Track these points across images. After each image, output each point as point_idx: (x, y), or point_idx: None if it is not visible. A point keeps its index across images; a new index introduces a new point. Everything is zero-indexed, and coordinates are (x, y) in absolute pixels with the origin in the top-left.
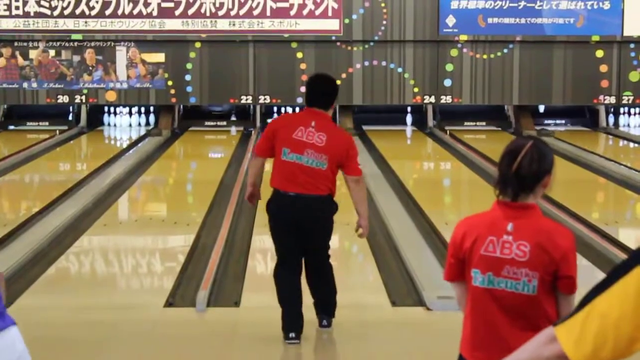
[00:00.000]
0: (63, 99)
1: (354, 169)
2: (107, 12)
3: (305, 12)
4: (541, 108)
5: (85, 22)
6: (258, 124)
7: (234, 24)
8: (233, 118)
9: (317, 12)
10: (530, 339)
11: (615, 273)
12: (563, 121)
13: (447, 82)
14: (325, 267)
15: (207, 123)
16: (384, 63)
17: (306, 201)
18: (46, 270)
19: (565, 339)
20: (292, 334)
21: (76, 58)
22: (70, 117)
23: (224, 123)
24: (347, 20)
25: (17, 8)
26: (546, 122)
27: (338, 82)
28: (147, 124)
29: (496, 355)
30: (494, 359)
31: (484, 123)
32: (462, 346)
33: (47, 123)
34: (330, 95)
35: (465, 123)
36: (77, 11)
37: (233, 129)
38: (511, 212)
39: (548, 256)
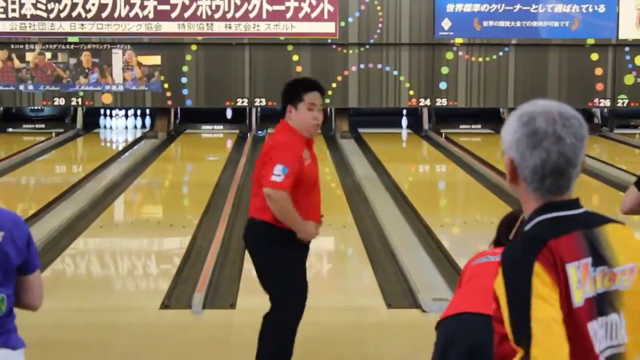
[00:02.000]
0: (59, 101)
1: (265, 179)
2: (104, 14)
3: (301, 15)
4: None
5: (82, 25)
6: (254, 126)
7: (230, 27)
8: (229, 121)
9: (313, 15)
10: None
11: (521, 283)
12: None
13: (443, 85)
14: (269, 316)
15: (203, 126)
16: (379, 66)
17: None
18: (42, 273)
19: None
20: None
21: (72, 60)
22: (66, 120)
23: (220, 126)
24: (342, 23)
25: (13, 10)
26: None
27: (328, 86)
28: (143, 126)
29: None
30: None
31: (479, 126)
32: None
33: (43, 125)
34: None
35: (461, 126)
36: (74, 14)
37: (229, 131)
38: None
39: None
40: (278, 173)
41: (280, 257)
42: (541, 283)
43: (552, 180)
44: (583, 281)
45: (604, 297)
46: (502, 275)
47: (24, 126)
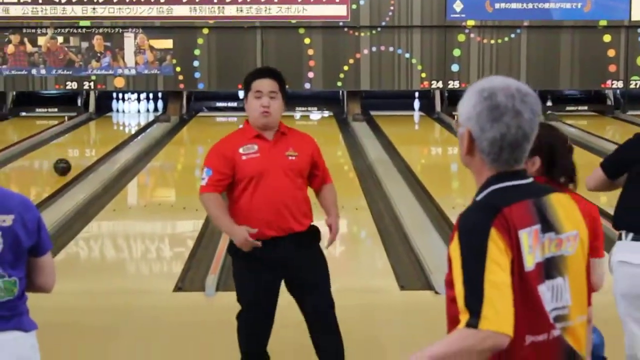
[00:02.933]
0: (72, 85)
1: None
2: None
3: None
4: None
5: (93, 9)
6: None
7: (241, 10)
8: (241, 104)
9: None
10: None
11: (476, 245)
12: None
13: (455, 67)
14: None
15: (215, 108)
16: (391, 49)
17: None
18: (56, 256)
19: (498, 325)
20: None
21: (84, 44)
22: (79, 104)
23: (234, 107)
24: (354, 6)
25: None
26: (567, 108)
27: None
28: (156, 110)
29: None
30: None
31: None
32: None
33: (55, 109)
34: None
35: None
36: None
37: (241, 114)
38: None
39: None
40: (203, 176)
41: (235, 267)
42: (496, 248)
43: (509, 152)
44: (534, 246)
45: (551, 262)
46: (458, 240)
47: (37, 110)
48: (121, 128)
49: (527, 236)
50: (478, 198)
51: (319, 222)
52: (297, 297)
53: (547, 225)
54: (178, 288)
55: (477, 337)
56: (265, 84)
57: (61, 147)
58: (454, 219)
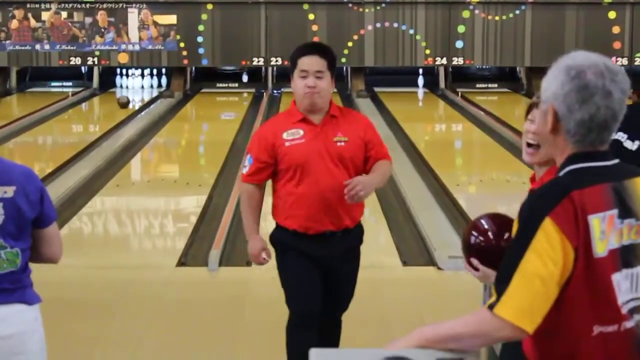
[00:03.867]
0: (75, 60)
1: None
2: None
3: None
4: None
5: None
6: (270, 85)
7: None
8: (245, 80)
9: None
10: None
11: (526, 233)
12: None
13: (459, 44)
14: None
15: (219, 85)
16: (395, 25)
17: None
18: (59, 231)
19: (511, 315)
20: None
21: (88, 20)
22: (83, 79)
23: (236, 85)
24: None
25: None
26: None
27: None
28: (159, 85)
29: None
30: None
31: (495, 85)
32: None
33: (59, 85)
34: None
35: (477, 85)
36: None
37: (245, 90)
38: None
39: None
40: (245, 164)
41: (279, 261)
42: (545, 239)
43: (596, 133)
44: (607, 233)
45: (629, 249)
46: (518, 219)
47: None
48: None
49: (600, 222)
50: (555, 177)
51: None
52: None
53: (626, 210)
54: (181, 263)
55: (494, 325)
56: (311, 62)
57: (65, 123)
58: (457, 196)
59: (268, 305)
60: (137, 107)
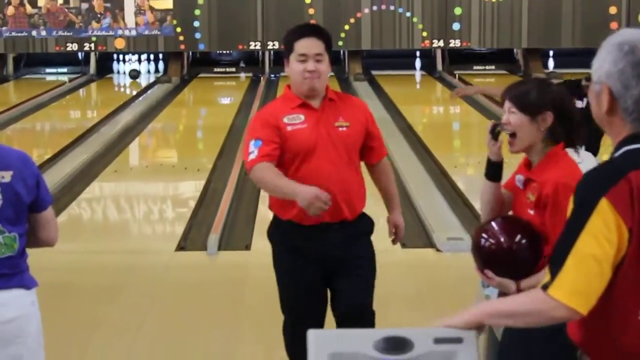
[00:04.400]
0: (72, 46)
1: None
2: None
3: None
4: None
5: None
6: (267, 70)
7: None
8: (242, 65)
9: None
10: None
11: (581, 214)
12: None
13: (456, 26)
14: None
15: (216, 70)
16: (392, 7)
17: None
18: (58, 217)
19: (565, 296)
20: None
21: (84, 5)
22: (80, 65)
23: (233, 69)
24: None
25: None
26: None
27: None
28: (157, 71)
29: None
30: None
31: (493, 67)
32: None
33: (56, 71)
34: None
35: (475, 67)
36: None
37: (242, 75)
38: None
39: None
40: (251, 149)
41: (276, 261)
42: (601, 221)
43: None
44: None
45: None
46: (572, 200)
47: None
48: (122, 89)
49: None
50: (611, 158)
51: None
52: (333, 289)
53: None
54: (180, 247)
55: (549, 305)
56: (310, 45)
57: (62, 109)
58: (455, 178)
59: (267, 288)
60: (134, 93)
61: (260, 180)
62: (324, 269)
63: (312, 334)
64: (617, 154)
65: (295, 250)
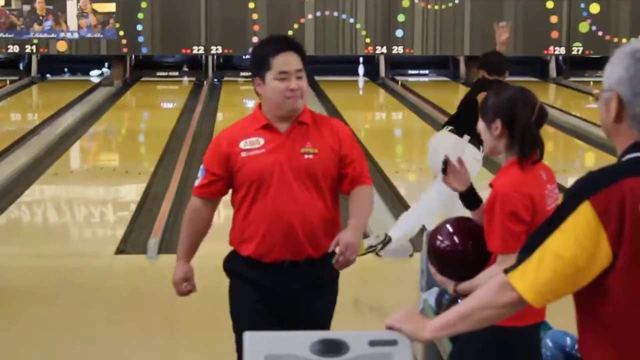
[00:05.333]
0: (13, 49)
1: None
2: None
3: None
4: None
5: None
6: (210, 74)
7: None
8: (185, 69)
9: None
10: None
11: (562, 211)
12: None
13: (399, 33)
14: None
15: (159, 73)
16: (335, 13)
17: None
18: None
19: (521, 285)
20: None
21: (26, 7)
22: (20, 67)
23: (176, 73)
24: None
25: None
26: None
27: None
28: (100, 74)
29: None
30: None
31: (435, 73)
32: (523, 316)
33: None
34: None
35: (416, 73)
36: None
37: (185, 79)
38: (535, 162)
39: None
40: (198, 175)
41: (229, 294)
42: (578, 221)
43: None
44: None
45: None
46: (563, 195)
47: None
48: (64, 92)
49: None
50: (615, 163)
51: None
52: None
53: None
54: (120, 251)
55: (503, 287)
56: (290, 61)
57: (2, 111)
58: (397, 184)
59: (209, 292)
60: (76, 96)
61: (183, 223)
62: (279, 310)
63: (247, 336)
64: (620, 160)
65: (253, 284)
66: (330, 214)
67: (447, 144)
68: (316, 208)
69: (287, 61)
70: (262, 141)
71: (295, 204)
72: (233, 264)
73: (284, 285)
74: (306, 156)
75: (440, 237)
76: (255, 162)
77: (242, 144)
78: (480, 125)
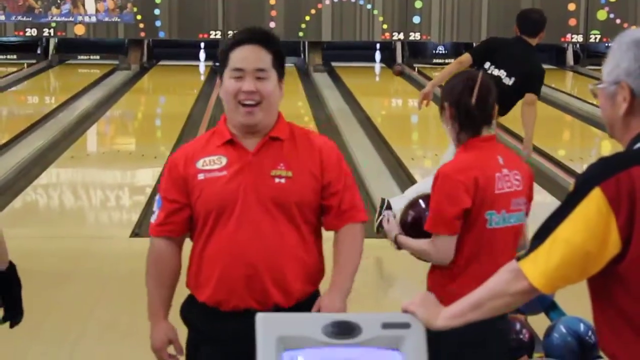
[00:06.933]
0: (31, 32)
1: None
2: None
3: None
4: None
5: None
6: None
7: None
8: (202, 54)
9: None
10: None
11: (573, 198)
12: None
13: (416, 19)
14: None
15: (175, 57)
16: None
17: None
18: (13, 201)
19: (532, 272)
20: None
21: None
22: (38, 51)
23: (193, 58)
24: None
25: None
26: None
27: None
28: (116, 57)
29: None
30: None
31: (452, 60)
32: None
33: (15, 56)
34: None
35: (434, 60)
36: None
37: (202, 64)
38: (494, 146)
39: (529, 180)
40: (154, 209)
41: (187, 343)
42: (589, 210)
43: None
44: None
45: None
46: (574, 183)
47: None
48: (81, 76)
49: None
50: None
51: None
52: None
53: None
54: (135, 234)
55: (514, 274)
56: (250, 57)
57: (20, 94)
58: (412, 170)
59: None
60: (93, 80)
61: (146, 274)
62: None
63: (260, 318)
64: (633, 148)
65: (210, 341)
66: (307, 252)
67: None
68: (286, 245)
69: (244, 56)
70: (224, 161)
71: (260, 240)
72: (189, 313)
73: (247, 340)
74: (277, 180)
75: (412, 211)
76: (213, 186)
77: (199, 164)
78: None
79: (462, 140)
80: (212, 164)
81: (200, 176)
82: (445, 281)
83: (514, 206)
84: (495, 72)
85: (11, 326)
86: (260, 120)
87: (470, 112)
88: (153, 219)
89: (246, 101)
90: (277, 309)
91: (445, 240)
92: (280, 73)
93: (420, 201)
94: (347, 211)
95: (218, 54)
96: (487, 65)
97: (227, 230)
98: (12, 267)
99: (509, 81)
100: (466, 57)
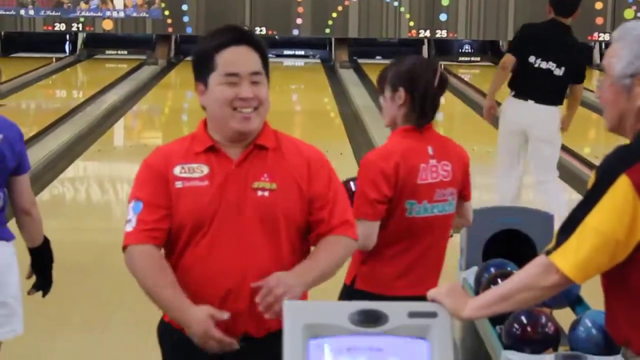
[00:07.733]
0: (60, 26)
1: None
2: None
3: None
4: None
5: None
6: None
7: None
8: None
9: None
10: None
11: (599, 188)
12: None
13: (443, 17)
14: None
15: None
16: None
17: None
18: (40, 194)
19: (564, 264)
20: None
21: None
22: (67, 45)
23: None
24: None
25: None
26: None
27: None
28: (144, 52)
29: (433, 284)
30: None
31: (478, 58)
32: (380, 284)
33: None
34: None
35: (460, 58)
36: None
37: None
38: (425, 135)
39: (462, 170)
40: (129, 217)
41: None
42: (616, 197)
43: None
44: None
45: None
46: (595, 173)
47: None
48: (109, 70)
49: None
50: None
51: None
52: None
53: None
54: None
55: (547, 268)
56: (243, 60)
57: (48, 88)
58: None
59: None
60: (121, 74)
61: (138, 278)
62: None
63: (287, 305)
64: None
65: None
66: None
67: None
68: (264, 266)
69: (236, 59)
70: (205, 170)
71: (236, 260)
72: (163, 334)
73: None
74: (259, 193)
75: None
76: (191, 197)
77: (177, 171)
78: (383, 97)
79: (400, 125)
80: (192, 171)
81: (178, 184)
82: (361, 260)
83: (438, 197)
84: (544, 64)
85: (43, 295)
86: (256, 127)
87: (427, 102)
88: (131, 226)
89: (244, 109)
90: (248, 338)
91: (368, 226)
92: (268, 75)
93: (351, 183)
94: (337, 227)
95: (194, 56)
96: (532, 59)
97: (199, 249)
98: (46, 241)
99: (559, 72)
100: (509, 59)
